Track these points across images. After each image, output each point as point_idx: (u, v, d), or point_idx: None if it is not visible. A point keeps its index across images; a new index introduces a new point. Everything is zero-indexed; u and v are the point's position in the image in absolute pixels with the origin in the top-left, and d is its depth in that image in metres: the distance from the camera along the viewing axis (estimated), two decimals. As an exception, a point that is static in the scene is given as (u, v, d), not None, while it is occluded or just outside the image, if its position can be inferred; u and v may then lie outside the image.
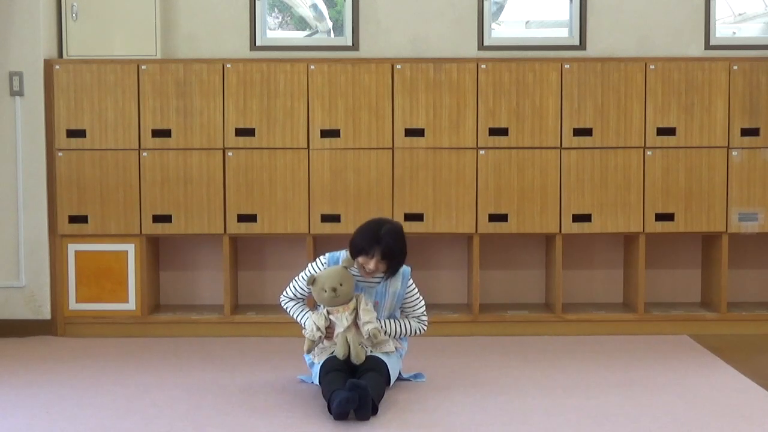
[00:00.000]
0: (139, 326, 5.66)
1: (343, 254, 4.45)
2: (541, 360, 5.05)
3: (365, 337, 4.31)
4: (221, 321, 5.69)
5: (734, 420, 3.98)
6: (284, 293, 4.59)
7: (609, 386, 4.50)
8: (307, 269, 4.52)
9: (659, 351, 5.24)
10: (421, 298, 4.57)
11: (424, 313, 4.58)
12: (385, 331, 4.42)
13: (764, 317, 5.73)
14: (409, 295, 4.52)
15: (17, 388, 4.52)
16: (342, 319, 4.31)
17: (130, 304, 5.65)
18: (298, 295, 4.55)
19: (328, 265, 4.44)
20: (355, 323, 4.33)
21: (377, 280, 4.44)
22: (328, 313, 4.33)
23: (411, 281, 4.52)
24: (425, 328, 4.58)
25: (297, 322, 4.54)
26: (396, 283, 4.46)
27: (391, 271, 4.39)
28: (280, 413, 4.10)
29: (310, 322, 4.36)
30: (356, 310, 4.33)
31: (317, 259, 4.52)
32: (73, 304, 5.65)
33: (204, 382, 4.61)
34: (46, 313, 5.65)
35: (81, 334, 5.64)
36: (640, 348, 5.31)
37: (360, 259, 4.35)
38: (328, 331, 4.35)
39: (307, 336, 4.35)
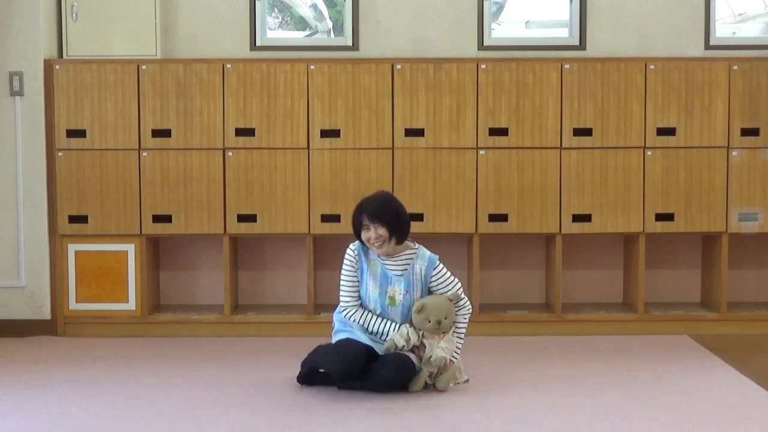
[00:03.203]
0: (139, 326, 5.66)
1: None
2: (541, 360, 5.05)
3: (432, 360, 4.36)
4: (221, 321, 5.69)
5: (734, 420, 3.98)
6: (346, 307, 4.52)
7: (609, 386, 4.51)
8: (344, 267, 4.50)
9: (659, 351, 5.24)
10: (453, 282, 4.53)
11: (460, 290, 4.51)
12: (454, 357, 4.44)
13: (764, 317, 5.73)
14: (435, 280, 4.50)
15: (17, 388, 4.52)
16: (434, 345, 4.37)
17: (130, 304, 5.65)
18: (356, 296, 4.50)
19: (358, 254, 4.48)
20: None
21: (403, 263, 4.47)
22: (423, 335, 4.39)
23: (439, 267, 4.51)
24: (469, 307, 4.53)
25: (373, 332, 4.49)
26: (422, 270, 4.48)
27: (396, 235, 4.43)
28: (280, 413, 4.10)
29: (405, 330, 4.38)
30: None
31: (347, 253, 4.52)
32: (73, 304, 5.65)
33: (204, 382, 4.62)
34: (46, 313, 5.65)
35: (81, 334, 5.64)
36: (640, 348, 5.31)
37: (363, 238, 4.44)
38: (418, 350, 4.40)
39: (395, 339, 4.36)
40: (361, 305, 4.52)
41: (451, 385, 4.43)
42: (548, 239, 5.88)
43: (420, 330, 4.41)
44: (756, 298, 6.03)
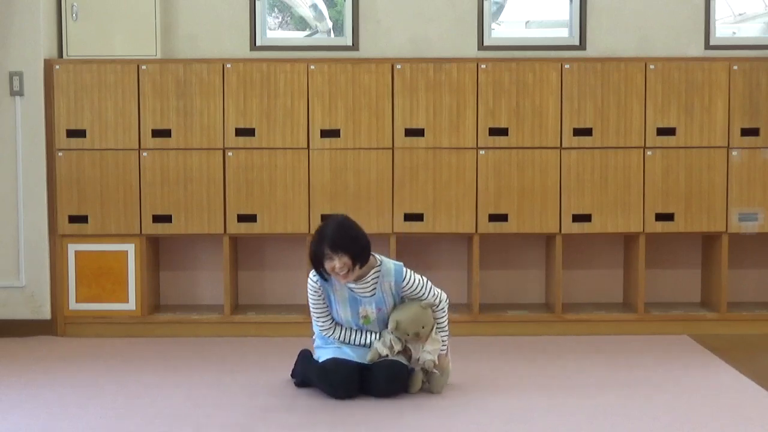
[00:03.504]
0: (139, 326, 5.66)
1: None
2: (541, 360, 5.05)
3: (420, 363, 4.36)
4: (221, 321, 5.69)
5: (734, 420, 3.98)
6: (323, 330, 4.45)
7: (609, 386, 4.51)
8: (309, 298, 4.42)
9: (659, 351, 5.24)
10: (424, 285, 4.40)
11: (432, 292, 4.41)
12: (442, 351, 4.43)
13: (764, 317, 5.73)
14: (407, 290, 4.38)
15: (17, 388, 4.52)
16: (419, 349, 4.36)
17: (130, 304, 5.65)
18: (329, 319, 4.44)
19: (318, 283, 4.36)
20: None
21: (371, 285, 4.36)
22: (407, 341, 4.38)
23: (407, 278, 4.37)
24: (445, 299, 4.44)
25: (354, 343, 4.46)
26: (391, 286, 4.37)
27: (358, 261, 4.25)
28: (280, 413, 4.10)
29: (387, 338, 4.35)
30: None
31: (309, 285, 4.40)
32: (73, 304, 5.65)
33: (204, 382, 4.62)
34: (46, 313, 5.65)
35: (81, 334, 5.64)
36: (640, 348, 5.31)
37: (327, 267, 4.26)
38: (405, 352, 4.40)
39: (378, 348, 4.33)
40: (338, 324, 4.47)
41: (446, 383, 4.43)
42: (548, 239, 5.88)
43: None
44: (756, 298, 6.02)
